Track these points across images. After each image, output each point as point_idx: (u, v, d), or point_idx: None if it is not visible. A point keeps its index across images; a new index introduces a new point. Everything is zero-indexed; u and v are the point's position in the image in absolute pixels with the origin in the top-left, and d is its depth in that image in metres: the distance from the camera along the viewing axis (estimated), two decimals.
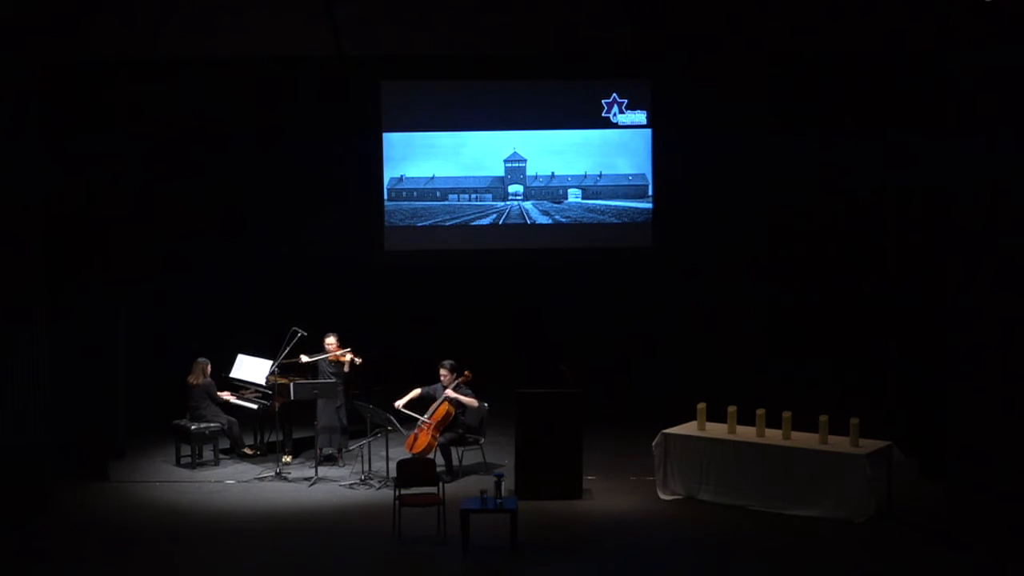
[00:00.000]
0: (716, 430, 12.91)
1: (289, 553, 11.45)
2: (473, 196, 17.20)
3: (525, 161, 17.13)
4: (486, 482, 12.13)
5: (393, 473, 12.62)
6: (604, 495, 13.09)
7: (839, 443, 12.30)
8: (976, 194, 11.79)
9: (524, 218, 17.20)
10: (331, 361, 14.38)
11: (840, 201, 15.79)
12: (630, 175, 17.14)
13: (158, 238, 16.09)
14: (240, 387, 14.99)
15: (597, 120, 16.99)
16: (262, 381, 14.61)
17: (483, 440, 14.03)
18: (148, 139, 15.32)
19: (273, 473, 13.96)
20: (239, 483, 13.79)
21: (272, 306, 15.93)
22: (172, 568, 11.17)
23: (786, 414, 12.64)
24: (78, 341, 13.74)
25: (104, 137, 13.92)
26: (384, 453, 13.56)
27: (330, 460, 14.33)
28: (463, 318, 16.80)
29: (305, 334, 14.08)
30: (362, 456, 13.79)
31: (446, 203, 17.18)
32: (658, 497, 12.94)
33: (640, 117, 17.00)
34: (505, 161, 17.13)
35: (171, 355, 15.35)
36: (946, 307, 12.25)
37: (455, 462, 13.83)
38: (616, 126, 17.02)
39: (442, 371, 13.82)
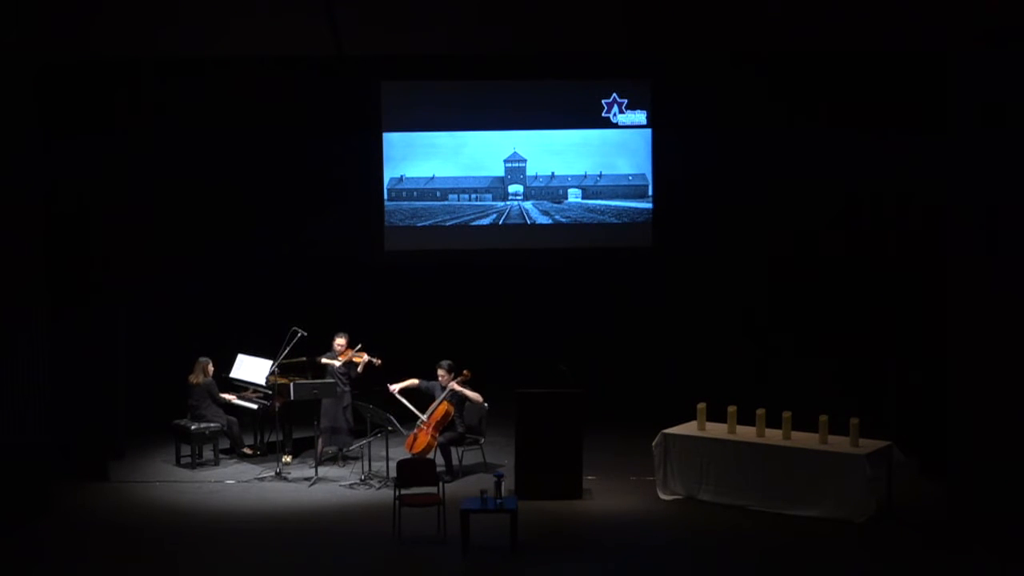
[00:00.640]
0: (716, 430, 12.91)
1: (289, 553, 11.45)
2: (473, 196, 17.20)
3: (525, 161, 17.14)
4: (486, 482, 12.14)
5: (393, 473, 12.62)
6: (604, 495, 13.09)
7: (839, 443, 12.30)
8: (976, 194, 11.79)
9: (524, 218, 17.21)
10: (344, 362, 14.37)
11: (840, 201, 15.79)
12: (630, 175, 17.14)
13: (158, 238, 16.08)
14: (240, 387, 14.99)
15: (597, 120, 17.00)
16: (262, 381, 14.61)
17: (483, 440, 14.03)
18: (148, 139, 15.34)
19: (273, 473, 13.96)
20: (239, 483, 13.79)
21: (272, 306, 15.92)
22: (172, 568, 11.17)
23: (786, 414, 12.64)
24: (78, 341, 13.74)
25: (104, 137, 13.92)
26: (384, 453, 13.56)
27: (333, 460, 14.33)
28: (463, 318, 16.79)
29: (305, 334, 14.08)
30: (362, 456, 13.79)
31: (446, 203, 17.18)
32: (658, 497, 12.94)
33: (640, 117, 17.01)
34: (505, 161, 17.14)
35: (171, 355, 15.35)
36: (946, 307, 12.25)
37: (455, 462, 13.83)
38: (616, 126, 17.02)
39: (440, 371, 13.81)
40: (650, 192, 17.10)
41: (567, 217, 17.21)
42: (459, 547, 11.32)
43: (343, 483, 13.61)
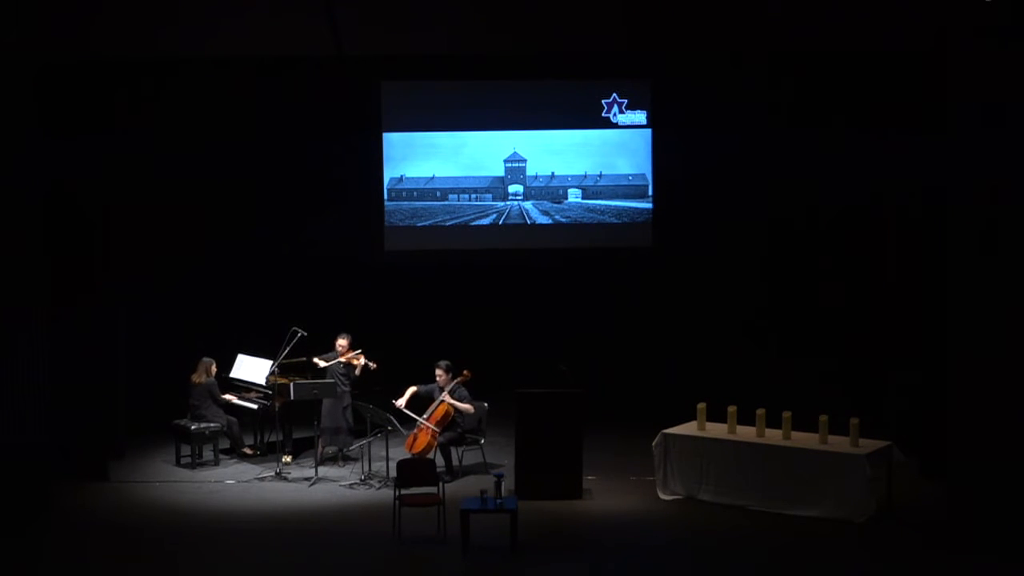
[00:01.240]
0: (716, 430, 12.91)
1: (289, 553, 11.45)
2: (473, 196, 17.20)
3: (525, 161, 17.13)
4: (486, 482, 12.13)
5: (393, 473, 12.62)
6: (604, 495, 13.09)
7: (839, 443, 12.30)
8: (976, 194, 11.79)
9: (524, 218, 17.21)
10: (344, 363, 14.36)
11: (840, 201, 15.78)
12: (630, 175, 17.14)
13: (158, 238, 16.08)
14: (240, 387, 14.99)
15: (597, 120, 16.99)
16: (262, 381, 14.61)
17: (483, 440, 14.03)
18: (148, 139, 15.33)
19: (273, 473, 13.96)
20: (239, 483, 13.79)
21: (272, 306, 15.91)
22: (172, 568, 11.17)
23: (786, 414, 12.64)
24: (78, 341, 13.73)
25: (104, 137, 13.92)
26: (384, 453, 13.56)
27: (334, 460, 14.33)
28: (463, 318, 16.80)
29: (305, 334, 14.08)
30: (362, 456, 13.79)
31: (446, 203, 17.18)
32: (658, 497, 12.93)
33: (640, 117, 17.00)
34: (505, 161, 17.13)
35: (171, 355, 15.35)
36: (946, 307, 12.24)
37: (455, 462, 13.83)
38: (616, 126, 17.02)
39: (438, 371, 13.81)
40: (650, 192, 17.10)
41: (567, 217, 17.21)
42: (459, 547, 11.31)
43: (343, 483, 13.61)
